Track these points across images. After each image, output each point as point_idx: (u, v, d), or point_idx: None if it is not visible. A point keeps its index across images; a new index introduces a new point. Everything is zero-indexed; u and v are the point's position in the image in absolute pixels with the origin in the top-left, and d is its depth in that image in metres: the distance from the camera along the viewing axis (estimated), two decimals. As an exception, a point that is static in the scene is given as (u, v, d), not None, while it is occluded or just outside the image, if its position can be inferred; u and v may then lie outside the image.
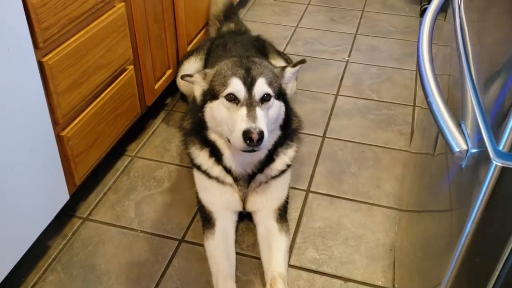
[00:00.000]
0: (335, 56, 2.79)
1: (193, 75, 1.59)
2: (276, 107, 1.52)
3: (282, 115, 1.57)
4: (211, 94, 1.53)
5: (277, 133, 1.59)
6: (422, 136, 1.70)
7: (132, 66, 1.94)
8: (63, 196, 1.67)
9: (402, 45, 2.91)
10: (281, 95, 1.56)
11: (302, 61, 1.66)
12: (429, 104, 1.02)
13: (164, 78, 2.23)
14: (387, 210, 1.83)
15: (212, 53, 2.13)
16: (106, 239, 1.72)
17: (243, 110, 1.42)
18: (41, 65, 1.45)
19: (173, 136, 2.18)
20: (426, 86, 1.04)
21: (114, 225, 1.78)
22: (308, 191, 1.92)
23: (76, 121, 1.66)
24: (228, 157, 1.58)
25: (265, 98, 1.47)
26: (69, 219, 1.80)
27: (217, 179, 1.64)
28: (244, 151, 1.42)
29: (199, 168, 1.67)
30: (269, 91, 1.49)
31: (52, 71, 1.48)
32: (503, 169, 0.78)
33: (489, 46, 1.02)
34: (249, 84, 1.47)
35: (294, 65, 1.64)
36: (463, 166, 0.94)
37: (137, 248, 1.69)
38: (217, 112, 1.49)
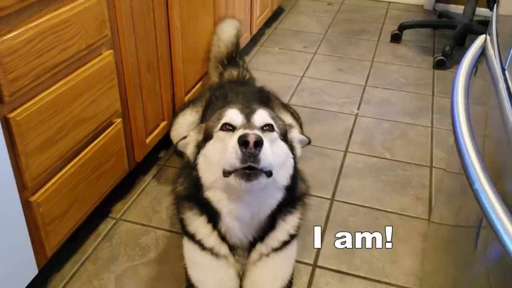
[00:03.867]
0: (344, 108, 2.60)
1: (186, 137, 1.39)
2: (282, 149, 1.30)
3: (290, 168, 1.33)
4: (205, 139, 1.33)
5: (283, 191, 1.34)
6: (450, 205, 1.48)
7: (120, 119, 1.75)
8: (31, 271, 1.44)
9: (415, 98, 2.72)
10: (287, 141, 1.36)
11: (308, 141, 1.49)
12: (476, 192, 0.80)
13: (157, 131, 2.03)
14: (406, 292, 1.58)
15: (211, 105, 1.94)
16: (78, 322, 1.47)
17: (240, 131, 1.20)
18: (7, 122, 1.25)
19: (164, 196, 1.96)
20: (470, 170, 0.82)
21: (89, 304, 1.53)
22: (315, 265, 1.67)
23: (50, 183, 1.44)
24: (225, 217, 1.32)
25: (267, 129, 1.27)
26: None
27: (211, 251, 1.40)
28: (240, 174, 1.17)
29: (192, 237, 1.42)
30: (272, 123, 1.30)
31: (21, 129, 1.28)
32: None
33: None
34: (248, 114, 1.29)
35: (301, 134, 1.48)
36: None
37: (113, 334, 1.44)
38: (211, 153, 1.27)
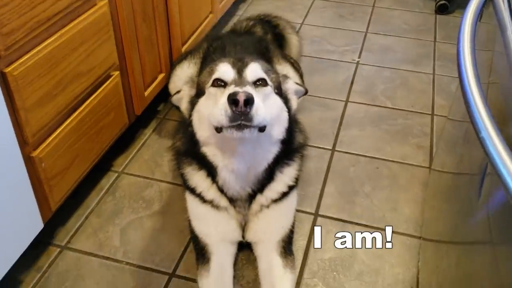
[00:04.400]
0: (344, 57, 2.56)
1: (180, 90, 1.38)
2: (276, 103, 1.29)
3: (285, 122, 1.33)
4: (198, 94, 1.31)
5: (278, 145, 1.34)
6: (451, 153, 1.48)
7: (117, 72, 1.71)
8: (36, 225, 1.45)
9: (417, 45, 2.67)
10: (281, 95, 1.34)
11: (304, 91, 1.47)
12: (482, 140, 0.80)
13: (155, 83, 2.00)
14: (406, 239, 1.61)
15: (208, 57, 1.90)
16: (86, 273, 1.50)
17: (230, 88, 1.19)
18: (4, 77, 1.22)
19: (166, 149, 1.96)
20: (477, 117, 0.81)
21: (96, 255, 1.56)
22: (316, 214, 1.70)
23: (50, 138, 1.43)
24: (221, 170, 1.33)
25: (259, 84, 1.25)
26: (45, 248, 1.58)
27: (211, 203, 1.42)
28: (231, 128, 1.16)
29: (193, 191, 1.44)
30: (265, 77, 1.27)
31: (18, 83, 1.26)
32: None
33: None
34: (240, 68, 1.26)
35: (297, 84, 1.44)
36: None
37: (121, 284, 1.47)
38: (204, 109, 1.27)
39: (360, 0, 3.11)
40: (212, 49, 1.92)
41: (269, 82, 1.28)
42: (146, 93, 1.93)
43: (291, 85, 1.43)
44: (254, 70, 1.28)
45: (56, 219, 1.60)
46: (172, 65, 2.07)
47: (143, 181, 1.82)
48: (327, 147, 1.98)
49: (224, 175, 1.35)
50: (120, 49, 1.71)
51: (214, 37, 2.09)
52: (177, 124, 1.92)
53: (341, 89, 2.32)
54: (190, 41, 2.23)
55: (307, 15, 2.95)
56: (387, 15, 2.96)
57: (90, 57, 1.53)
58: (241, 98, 1.10)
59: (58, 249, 1.58)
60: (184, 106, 1.40)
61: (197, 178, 1.41)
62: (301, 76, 2.06)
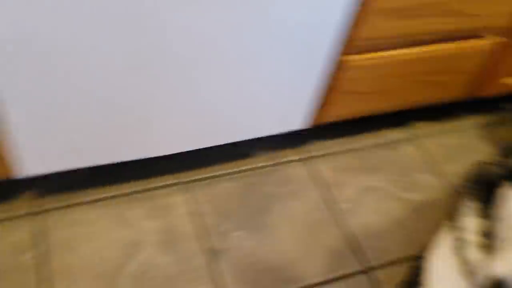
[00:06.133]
0: None
1: None
2: None
3: None
4: None
5: None
6: None
7: (497, 39, 1.32)
8: (298, 122, 1.32)
9: None
10: None
11: None
12: None
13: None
14: None
15: None
16: (301, 197, 1.34)
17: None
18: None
19: (476, 151, 1.54)
20: None
21: (319, 192, 1.36)
22: None
23: (375, 55, 1.20)
24: None
25: None
26: (297, 146, 1.46)
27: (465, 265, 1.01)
28: None
29: (454, 228, 1.05)
30: None
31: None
32: None
33: None
34: None
35: None
36: None
37: (318, 232, 1.28)
38: None
39: None
40: None
41: None
42: (503, 80, 1.49)
43: None
44: None
45: (321, 129, 1.45)
46: None
47: (428, 162, 1.48)
48: None
49: None
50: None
51: None
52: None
53: None
54: None
55: None
56: None
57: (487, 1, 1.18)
58: None
59: (298, 157, 1.44)
60: None
61: (469, 221, 1.00)
62: None
